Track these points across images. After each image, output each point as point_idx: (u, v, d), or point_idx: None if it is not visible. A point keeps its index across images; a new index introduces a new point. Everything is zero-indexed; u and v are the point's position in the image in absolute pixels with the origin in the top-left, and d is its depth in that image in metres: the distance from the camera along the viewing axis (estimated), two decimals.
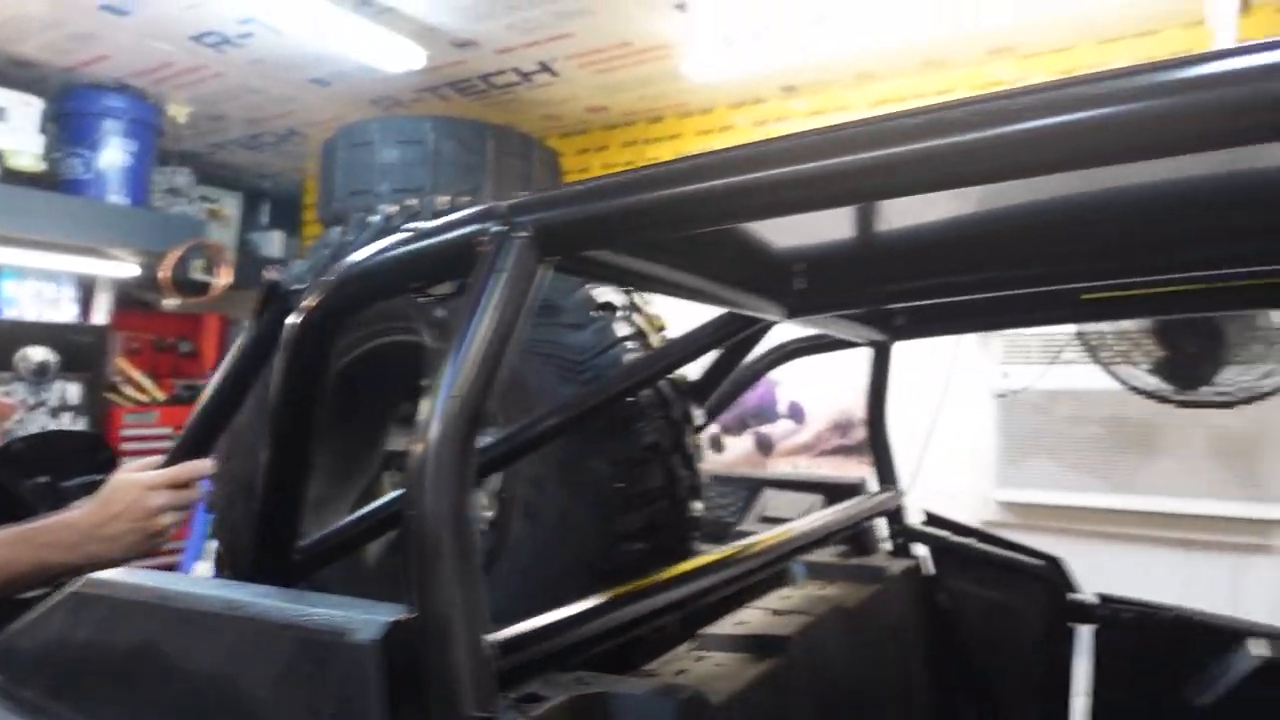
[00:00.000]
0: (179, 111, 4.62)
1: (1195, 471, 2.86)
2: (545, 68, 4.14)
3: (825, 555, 1.70)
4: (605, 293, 1.50)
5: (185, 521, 1.39)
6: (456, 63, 4.07)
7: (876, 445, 1.95)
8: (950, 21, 3.53)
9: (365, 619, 0.76)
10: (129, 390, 5.01)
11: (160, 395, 5.12)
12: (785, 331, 1.61)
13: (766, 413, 3.87)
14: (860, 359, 2.08)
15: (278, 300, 1.34)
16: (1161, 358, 2.29)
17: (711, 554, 1.20)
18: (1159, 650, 1.60)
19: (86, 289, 4.99)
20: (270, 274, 1.40)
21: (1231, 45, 2.43)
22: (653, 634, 1.08)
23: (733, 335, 1.45)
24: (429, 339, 1.05)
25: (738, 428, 3.90)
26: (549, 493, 1.38)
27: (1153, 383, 2.33)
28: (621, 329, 1.47)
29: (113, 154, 4.41)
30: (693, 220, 0.83)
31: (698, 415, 1.58)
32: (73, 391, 4.49)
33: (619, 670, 1.02)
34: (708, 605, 1.20)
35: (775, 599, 1.41)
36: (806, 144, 0.73)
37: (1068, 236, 1.33)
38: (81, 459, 1.87)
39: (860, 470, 3.64)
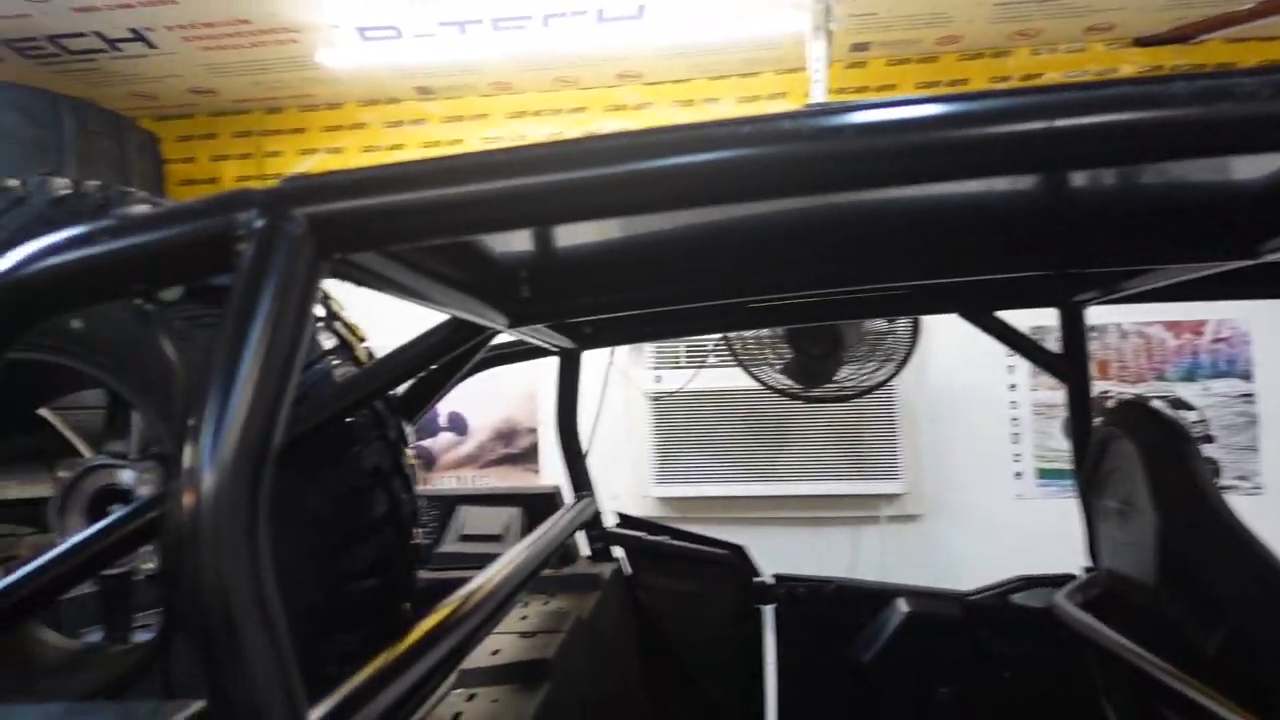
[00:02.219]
0: None
1: (818, 458, 3.32)
2: (139, 36, 3.56)
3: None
4: None
5: None
6: (16, 15, 3.34)
7: (569, 453, 1.96)
8: (583, 44, 3.69)
9: None
10: None
11: None
12: None
13: (427, 425, 3.71)
14: (519, 366, 2.09)
15: None
16: (791, 359, 2.61)
17: (467, 591, 1.10)
18: (827, 618, 1.82)
19: None
20: None
21: (824, 92, 2.82)
22: None
23: (455, 346, 1.36)
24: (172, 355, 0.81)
25: None
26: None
27: (785, 381, 2.64)
28: (326, 341, 1.31)
29: None
30: (509, 219, 0.75)
31: (409, 434, 1.46)
32: None
33: None
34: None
35: (514, 620, 1.34)
36: (659, 141, 0.69)
37: (734, 255, 1.45)
38: None
39: (527, 479, 3.67)
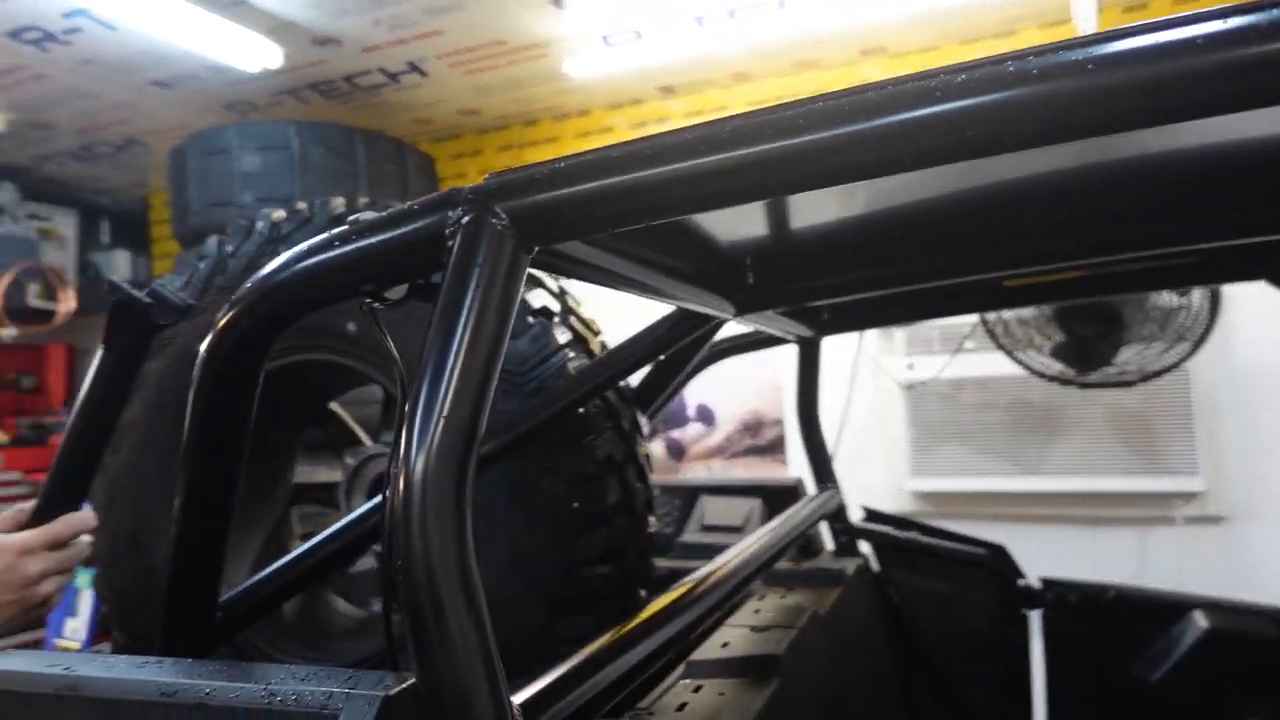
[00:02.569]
0: None
1: (1097, 450, 2.99)
2: (414, 67, 3.94)
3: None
4: (538, 296, 1.38)
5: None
6: (317, 62, 3.82)
7: (811, 444, 1.91)
8: (823, 22, 3.58)
9: (350, 693, 0.61)
10: None
11: (2, 437, 4.57)
12: None
13: (675, 417, 3.80)
14: (765, 357, 2.05)
15: (134, 317, 1.18)
16: (1061, 341, 2.36)
17: (692, 580, 1.10)
18: (1105, 629, 1.62)
19: None
20: (120, 285, 1.21)
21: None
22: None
23: (682, 336, 1.36)
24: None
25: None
26: (498, 518, 1.25)
27: (1055, 366, 2.40)
28: (560, 335, 1.36)
29: None
30: (707, 199, 0.72)
31: (643, 424, 1.48)
32: None
33: (615, 712, 0.91)
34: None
35: (747, 614, 1.32)
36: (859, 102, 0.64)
37: (988, 226, 1.31)
38: None
39: (774, 470, 3.65)
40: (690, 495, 1.98)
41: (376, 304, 0.78)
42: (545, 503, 1.24)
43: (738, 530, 1.87)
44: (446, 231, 0.72)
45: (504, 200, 0.73)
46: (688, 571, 1.77)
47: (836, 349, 3.06)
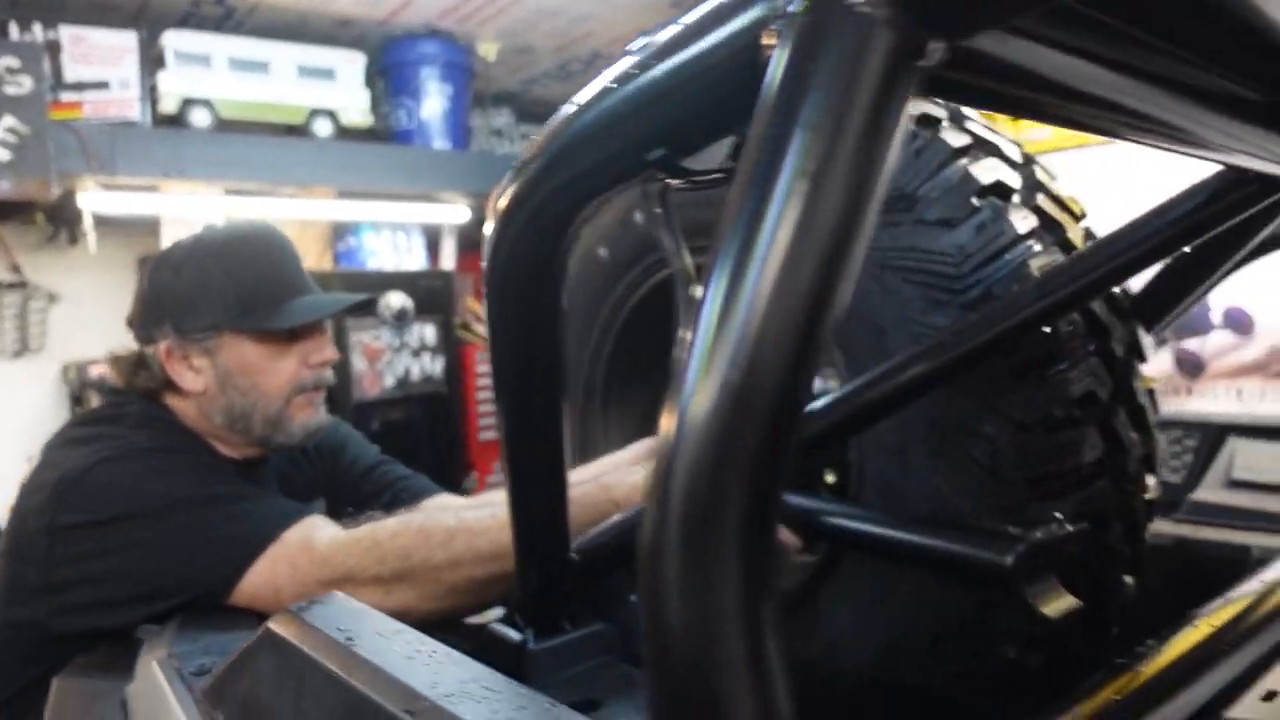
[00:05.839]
0: (488, 49, 4.62)
1: None
2: None
3: None
4: (988, 168, 0.99)
5: None
6: None
7: None
8: None
9: None
10: (479, 328, 5.26)
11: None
12: None
13: (1194, 322, 2.95)
14: None
15: None
16: None
17: (1239, 596, 0.68)
18: None
19: (432, 237, 5.28)
20: None
21: None
22: None
23: (1227, 215, 0.86)
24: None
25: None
26: (916, 468, 0.93)
27: None
28: (1020, 221, 0.96)
29: (433, 102, 4.52)
30: None
31: (1147, 346, 1.02)
32: (429, 333, 4.76)
33: None
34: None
35: None
36: None
37: None
38: None
39: None
40: (1213, 435, 1.41)
41: (674, 180, 0.50)
42: (985, 455, 0.89)
43: None
44: (763, 42, 0.41)
45: None
46: (1199, 543, 1.27)
47: None
